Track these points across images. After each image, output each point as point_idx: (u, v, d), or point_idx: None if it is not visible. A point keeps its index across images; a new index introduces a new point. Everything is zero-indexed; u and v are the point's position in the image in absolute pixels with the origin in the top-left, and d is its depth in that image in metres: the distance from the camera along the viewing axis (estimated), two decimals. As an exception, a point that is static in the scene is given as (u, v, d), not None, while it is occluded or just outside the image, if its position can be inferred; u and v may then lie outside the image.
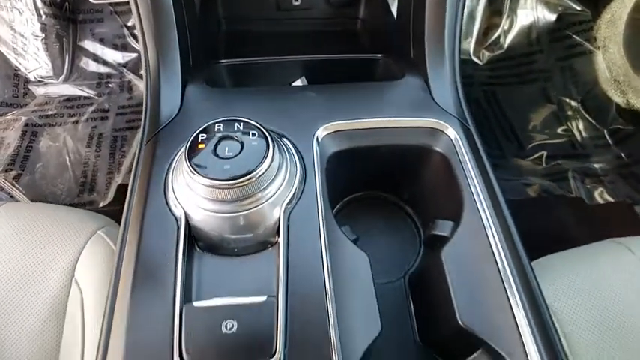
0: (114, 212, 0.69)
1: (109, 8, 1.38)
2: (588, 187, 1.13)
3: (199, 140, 0.41)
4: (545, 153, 1.21)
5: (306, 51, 0.65)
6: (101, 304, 0.56)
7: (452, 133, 0.49)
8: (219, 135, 0.41)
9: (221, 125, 0.42)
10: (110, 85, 1.41)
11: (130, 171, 1.25)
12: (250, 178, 0.38)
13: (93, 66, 1.41)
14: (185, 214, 0.41)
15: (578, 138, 1.26)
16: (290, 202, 0.42)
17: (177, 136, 0.48)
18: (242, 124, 0.42)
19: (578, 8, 1.28)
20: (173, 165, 0.45)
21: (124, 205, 0.46)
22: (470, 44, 1.38)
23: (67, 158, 1.25)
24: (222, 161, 0.39)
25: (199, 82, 0.57)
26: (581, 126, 1.27)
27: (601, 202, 1.09)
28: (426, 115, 0.50)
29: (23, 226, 0.62)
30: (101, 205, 1.16)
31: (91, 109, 1.35)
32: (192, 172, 0.39)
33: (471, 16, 1.34)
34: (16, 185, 1.19)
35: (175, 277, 0.37)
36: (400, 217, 0.57)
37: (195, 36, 0.60)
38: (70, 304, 0.57)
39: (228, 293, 0.37)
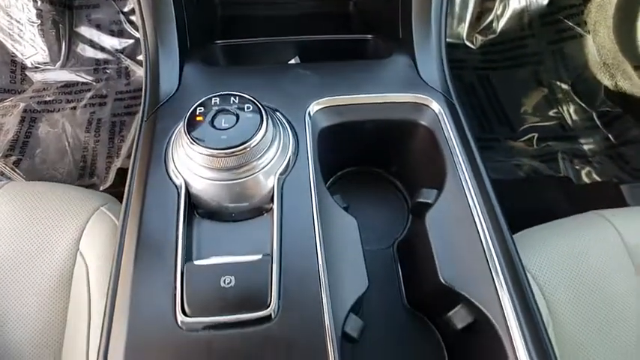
0: (114, 195, 0.71)
1: (104, -6, 1.39)
2: (577, 167, 1.16)
3: (197, 113, 0.43)
4: (536, 135, 1.24)
5: (300, 32, 0.68)
6: (106, 274, 0.59)
7: (436, 107, 0.51)
8: (216, 108, 0.43)
9: (217, 99, 0.44)
10: (107, 71, 1.41)
11: (129, 155, 1.27)
12: (245, 148, 0.41)
13: (90, 52, 1.41)
14: (185, 182, 0.43)
15: (569, 120, 1.28)
16: (283, 171, 0.45)
17: (176, 112, 0.50)
18: (237, 98, 0.44)
19: (569, -8, 1.30)
20: (172, 138, 0.47)
21: (124, 187, 0.48)
22: (463, 29, 1.40)
23: (67, 143, 1.27)
24: (219, 132, 0.42)
25: (197, 62, 0.59)
26: (571, 108, 1.30)
27: (588, 181, 1.12)
28: (413, 90, 0.53)
29: (27, 203, 0.64)
30: (101, 188, 1.18)
31: (88, 94, 1.36)
32: (191, 142, 0.41)
33: (464, 1, 1.36)
34: (16, 170, 1.20)
35: (177, 240, 0.40)
36: (389, 190, 0.60)
37: (193, 17, 0.62)
38: (75, 275, 0.60)
39: (226, 253, 0.40)
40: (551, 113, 1.30)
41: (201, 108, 0.43)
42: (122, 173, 1.19)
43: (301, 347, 0.35)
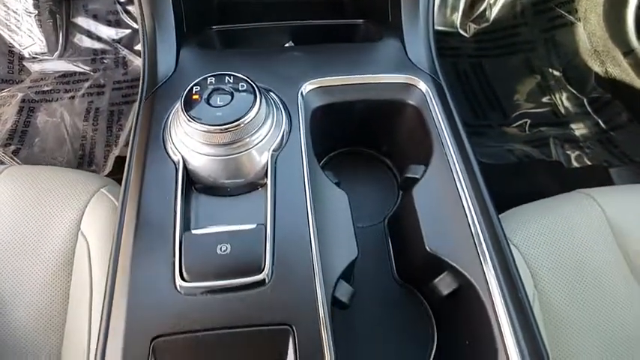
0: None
1: (100, -16, 1.39)
2: (568, 152, 1.18)
3: (194, 92, 0.45)
4: (528, 121, 1.26)
5: (294, 17, 0.69)
6: (107, 251, 0.61)
7: (424, 87, 0.53)
8: (212, 87, 0.45)
9: (213, 79, 0.46)
10: (105, 61, 1.42)
11: (128, 144, 1.29)
12: (239, 124, 0.43)
13: (87, 42, 1.42)
14: (183, 158, 0.45)
15: (560, 106, 1.30)
16: (277, 148, 0.47)
17: (173, 92, 0.52)
18: (232, 77, 0.46)
19: (561, -20, 1.32)
20: (170, 117, 0.49)
21: (122, 175, 0.50)
22: (457, 17, 1.41)
23: (65, 132, 1.28)
24: (214, 109, 0.44)
25: (193, 46, 0.61)
26: (563, 95, 1.32)
27: (578, 165, 1.15)
28: (401, 72, 0.55)
29: (28, 186, 0.65)
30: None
31: (86, 84, 1.37)
32: (188, 120, 0.43)
33: (458, -10, 1.37)
34: (15, 159, 1.21)
35: (175, 212, 0.42)
36: (380, 169, 0.62)
37: (189, 3, 0.63)
38: (77, 254, 0.61)
39: (222, 224, 0.42)
40: (543, 100, 1.32)
41: (198, 87, 0.45)
42: (120, 161, 1.21)
43: (293, 309, 0.38)
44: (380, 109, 0.55)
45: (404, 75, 0.54)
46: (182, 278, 0.38)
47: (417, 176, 0.49)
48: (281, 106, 0.50)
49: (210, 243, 0.40)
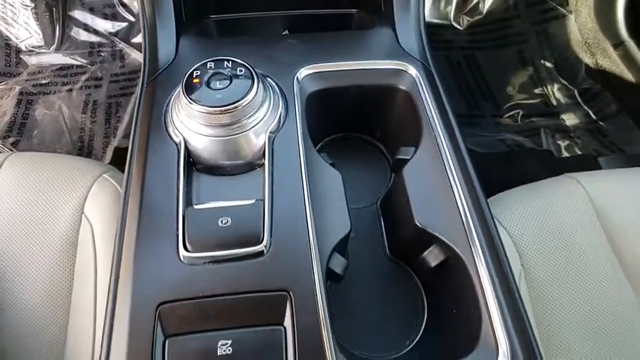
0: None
1: (96, -23, 1.40)
2: (558, 141, 1.21)
3: (194, 76, 0.47)
4: (520, 112, 1.28)
5: (290, 7, 0.71)
6: (110, 232, 0.63)
7: (414, 72, 0.56)
8: (211, 72, 0.47)
9: (212, 64, 0.48)
10: (102, 54, 1.43)
11: (126, 135, 1.30)
12: (237, 106, 0.45)
13: (84, 35, 1.42)
14: (184, 139, 0.47)
15: (552, 98, 1.33)
16: (274, 130, 0.49)
17: (173, 78, 0.54)
18: (231, 62, 0.48)
19: (552, -27, 1.34)
20: (171, 101, 0.51)
21: (120, 165, 0.52)
22: (450, 10, 1.43)
23: (64, 124, 1.29)
24: (214, 92, 0.46)
25: (192, 35, 0.63)
26: (554, 86, 1.34)
27: (568, 155, 1.18)
28: (393, 58, 0.57)
29: (32, 172, 0.67)
30: (99, 167, 1.21)
31: (84, 77, 1.38)
32: (189, 102, 0.45)
33: (452, -17, 1.40)
34: (15, 150, 1.23)
35: (178, 189, 0.44)
36: (373, 153, 0.64)
37: None
38: (81, 236, 0.63)
39: (222, 200, 0.44)
40: (535, 91, 1.34)
41: (198, 72, 0.47)
42: (119, 152, 1.23)
43: (290, 277, 0.40)
44: (372, 94, 0.57)
45: (395, 61, 0.57)
46: (185, 249, 0.41)
47: (407, 157, 0.51)
48: (278, 91, 0.52)
49: (211, 217, 0.42)
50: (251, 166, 0.48)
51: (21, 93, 1.33)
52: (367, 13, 0.68)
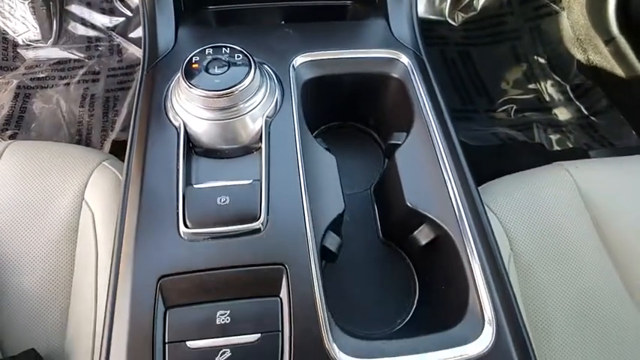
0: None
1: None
2: (550, 135, 1.23)
3: (193, 62, 0.49)
4: (514, 106, 1.30)
5: None
6: (111, 218, 0.64)
7: (406, 60, 0.57)
8: (210, 57, 0.49)
9: (211, 50, 0.50)
10: (99, 48, 1.43)
11: (124, 129, 1.31)
12: (235, 90, 0.47)
13: (81, 30, 1.43)
14: (183, 123, 0.49)
15: (545, 93, 1.35)
16: (271, 114, 0.50)
17: (173, 65, 0.56)
18: (229, 49, 0.50)
19: (546, -30, 1.36)
20: (171, 86, 0.52)
21: (120, 157, 0.52)
22: (445, 6, 1.45)
23: (62, 118, 1.30)
24: (212, 77, 0.47)
25: (191, 24, 0.64)
26: (547, 82, 1.36)
27: (560, 148, 1.20)
28: (386, 47, 0.59)
29: (32, 159, 0.68)
30: (97, 159, 1.21)
31: (81, 71, 1.38)
32: (189, 86, 0.47)
33: (447, -20, 1.41)
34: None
35: (178, 170, 0.46)
36: (367, 141, 0.66)
37: None
38: (81, 222, 0.64)
39: (221, 180, 0.46)
40: (528, 87, 1.37)
41: (197, 57, 0.49)
42: (117, 145, 1.24)
43: (287, 252, 0.41)
44: (366, 82, 0.59)
45: (388, 50, 0.58)
46: (185, 226, 0.42)
47: (399, 142, 0.53)
48: (274, 78, 0.54)
49: (210, 195, 0.43)
50: (248, 149, 0.50)
51: (18, 87, 1.34)
52: (361, 5, 0.70)
